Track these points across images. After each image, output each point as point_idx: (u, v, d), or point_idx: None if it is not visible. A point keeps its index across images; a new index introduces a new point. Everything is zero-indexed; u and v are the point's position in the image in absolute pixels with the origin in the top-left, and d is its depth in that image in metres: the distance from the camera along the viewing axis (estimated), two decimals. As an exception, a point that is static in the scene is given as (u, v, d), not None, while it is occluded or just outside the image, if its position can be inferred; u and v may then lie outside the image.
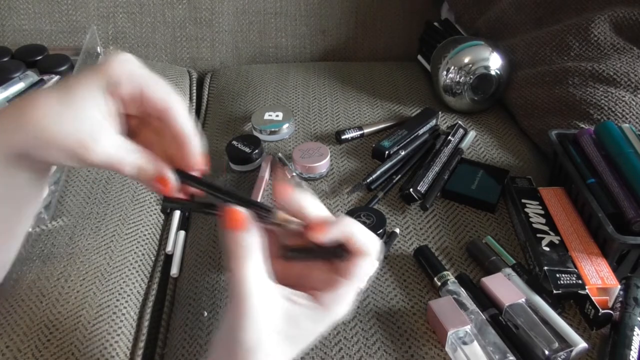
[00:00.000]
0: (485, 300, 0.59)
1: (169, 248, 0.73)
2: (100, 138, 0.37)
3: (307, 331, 0.39)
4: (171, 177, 0.41)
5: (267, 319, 0.36)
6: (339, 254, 0.40)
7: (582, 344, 0.54)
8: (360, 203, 0.75)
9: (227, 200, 0.40)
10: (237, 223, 0.38)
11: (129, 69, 0.39)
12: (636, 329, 0.55)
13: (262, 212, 0.40)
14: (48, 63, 0.97)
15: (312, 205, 0.40)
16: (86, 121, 0.36)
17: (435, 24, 1.08)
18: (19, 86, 0.86)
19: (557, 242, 0.64)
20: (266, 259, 0.38)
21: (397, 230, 0.70)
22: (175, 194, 0.42)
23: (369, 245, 0.40)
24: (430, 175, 0.76)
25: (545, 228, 0.66)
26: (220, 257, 0.69)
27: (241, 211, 0.38)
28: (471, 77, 0.88)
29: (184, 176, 0.42)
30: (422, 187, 0.74)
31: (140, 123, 0.42)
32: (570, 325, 0.56)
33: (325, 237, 0.39)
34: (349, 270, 0.39)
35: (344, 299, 0.40)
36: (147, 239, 0.73)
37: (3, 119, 0.36)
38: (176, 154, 0.42)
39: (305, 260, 0.41)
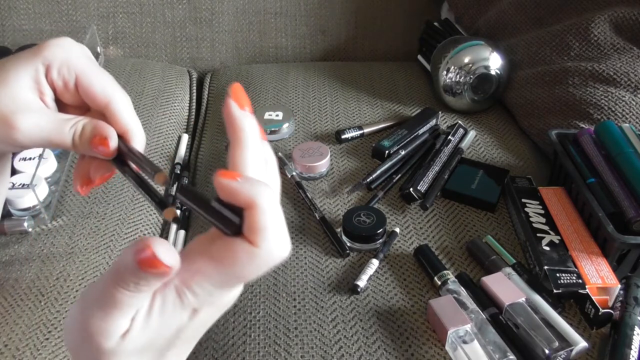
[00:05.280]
0: (485, 300, 0.59)
1: (168, 247, 0.73)
2: (24, 115, 0.34)
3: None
4: (111, 134, 0.35)
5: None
6: (227, 225, 0.28)
7: (582, 343, 0.54)
8: (361, 202, 0.75)
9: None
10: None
11: (65, 56, 0.36)
12: (636, 328, 0.55)
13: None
14: (48, 63, 0.97)
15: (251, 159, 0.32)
16: (10, 100, 0.34)
17: (435, 24, 1.08)
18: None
19: (557, 241, 0.64)
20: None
21: (397, 230, 0.70)
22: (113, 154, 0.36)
23: (267, 232, 0.28)
24: (430, 174, 0.76)
25: (546, 227, 0.66)
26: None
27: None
28: (471, 77, 0.88)
29: (125, 145, 0.36)
30: (422, 186, 0.74)
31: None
32: (571, 325, 0.56)
33: (227, 185, 0.28)
34: (221, 255, 0.28)
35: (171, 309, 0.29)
36: (147, 238, 0.73)
37: None
38: None
39: (193, 209, 0.30)
